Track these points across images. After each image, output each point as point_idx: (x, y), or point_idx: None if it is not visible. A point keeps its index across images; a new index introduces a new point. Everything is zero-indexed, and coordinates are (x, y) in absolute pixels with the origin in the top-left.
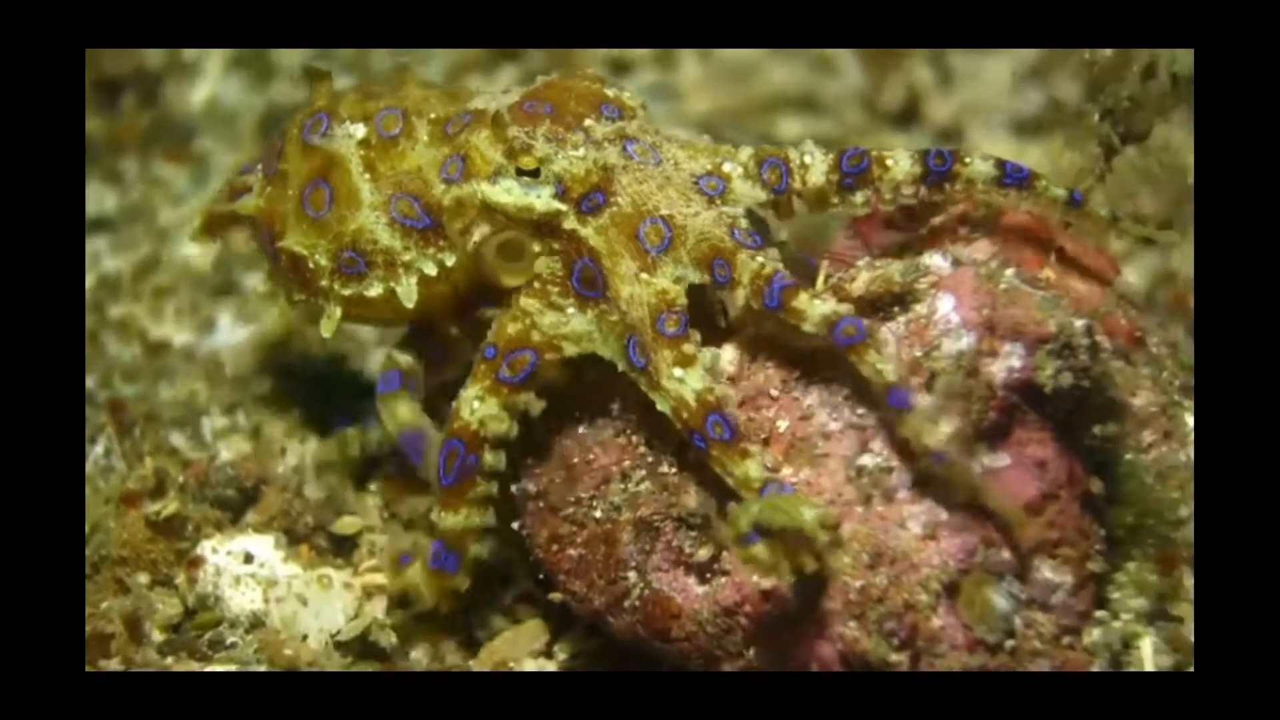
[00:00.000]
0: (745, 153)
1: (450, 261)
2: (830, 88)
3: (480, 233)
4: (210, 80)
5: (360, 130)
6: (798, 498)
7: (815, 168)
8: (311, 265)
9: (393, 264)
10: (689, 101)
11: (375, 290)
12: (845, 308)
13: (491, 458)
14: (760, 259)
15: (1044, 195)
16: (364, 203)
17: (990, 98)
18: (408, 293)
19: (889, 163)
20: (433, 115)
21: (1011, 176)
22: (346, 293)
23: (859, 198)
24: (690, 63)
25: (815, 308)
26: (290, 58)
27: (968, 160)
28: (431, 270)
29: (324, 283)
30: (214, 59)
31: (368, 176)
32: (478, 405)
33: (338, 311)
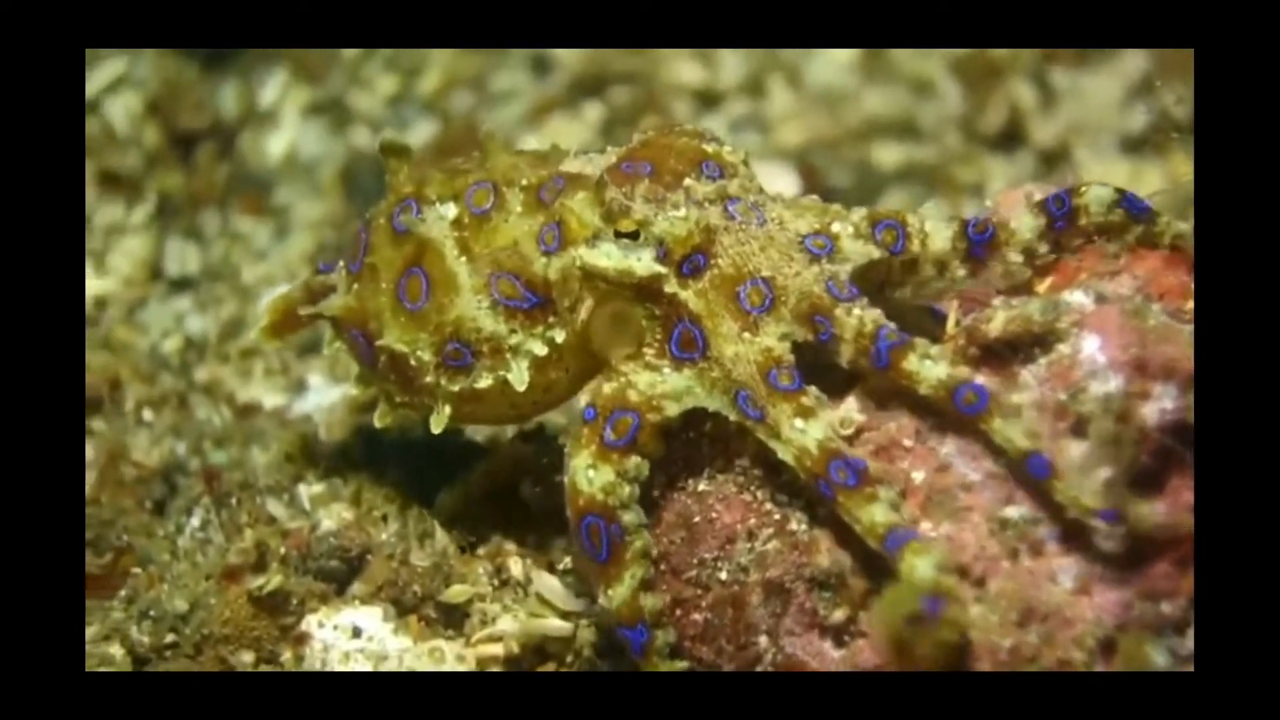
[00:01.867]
0: (858, 213)
1: (560, 339)
2: (928, 111)
3: (586, 306)
4: (287, 129)
5: (451, 210)
6: (917, 549)
7: (937, 234)
8: (414, 363)
9: (499, 350)
10: (780, 133)
11: (485, 382)
12: (963, 372)
13: (630, 516)
14: (858, 312)
15: (1165, 233)
16: (463, 287)
17: (1096, 115)
18: (520, 377)
19: (1013, 226)
20: (525, 182)
21: (1132, 204)
22: (455, 388)
23: (991, 266)
24: (780, 91)
25: (928, 370)
26: (368, 102)
27: (1083, 190)
28: (541, 350)
29: (429, 379)
30: (290, 107)
31: (464, 259)
32: (593, 475)
33: (447, 410)
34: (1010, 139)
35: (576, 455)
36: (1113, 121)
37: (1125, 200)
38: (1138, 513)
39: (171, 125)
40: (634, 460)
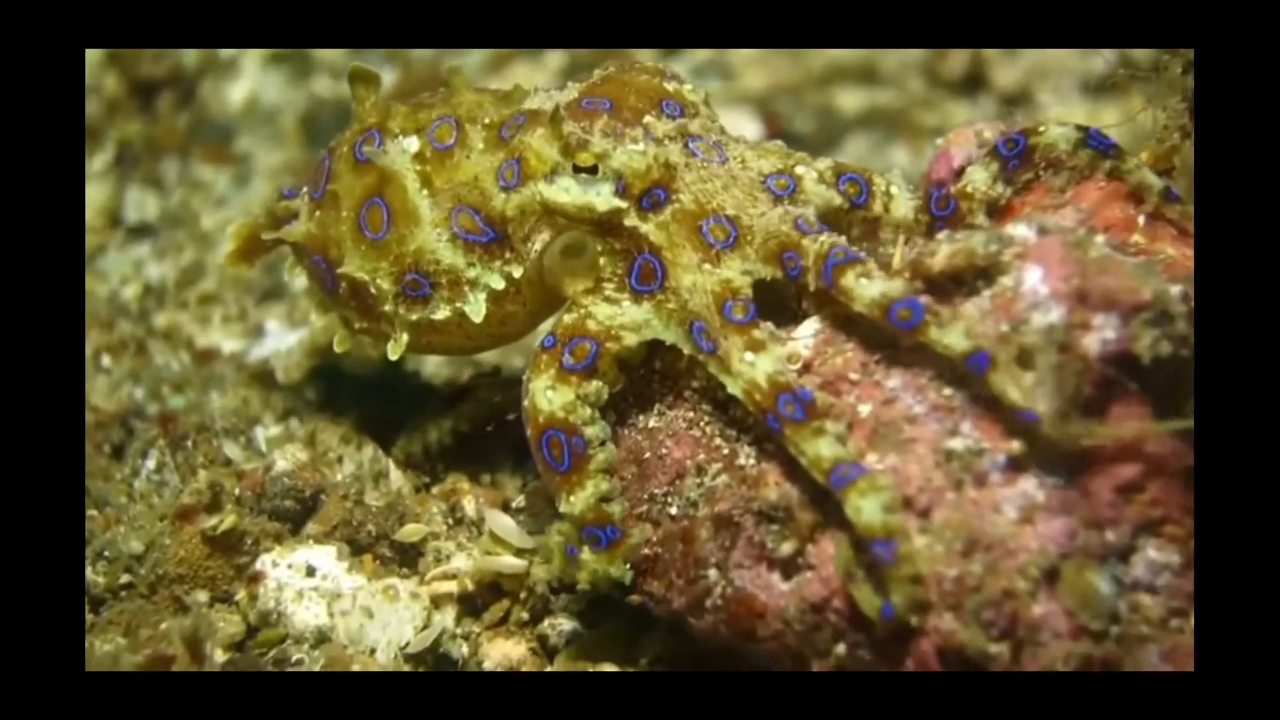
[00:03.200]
0: (823, 162)
1: (518, 273)
2: (890, 57)
3: (541, 239)
4: (248, 78)
5: (414, 143)
6: (863, 488)
7: (900, 201)
8: (373, 291)
9: (458, 283)
10: (744, 78)
11: (442, 313)
12: (896, 288)
13: (593, 430)
14: (824, 239)
15: (1132, 175)
16: (423, 220)
17: (1058, 59)
18: (476, 309)
19: (969, 189)
20: (487, 120)
21: (1096, 140)
22: (413, 317)
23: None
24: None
25: (863, 288)
26: (330, 51)
27: (1041, 129)
28: (499, 284)
29: (387, 308)
30: (251, 56)
31: (425, 192)
32: (552, 395)
33: (404, 337)
34: (972, 83)
35: (536, 378)
36: (1074, 64)
37: (1090, 138)
38: (1058, 416)
39: (132, 73)
40: (594, 384)
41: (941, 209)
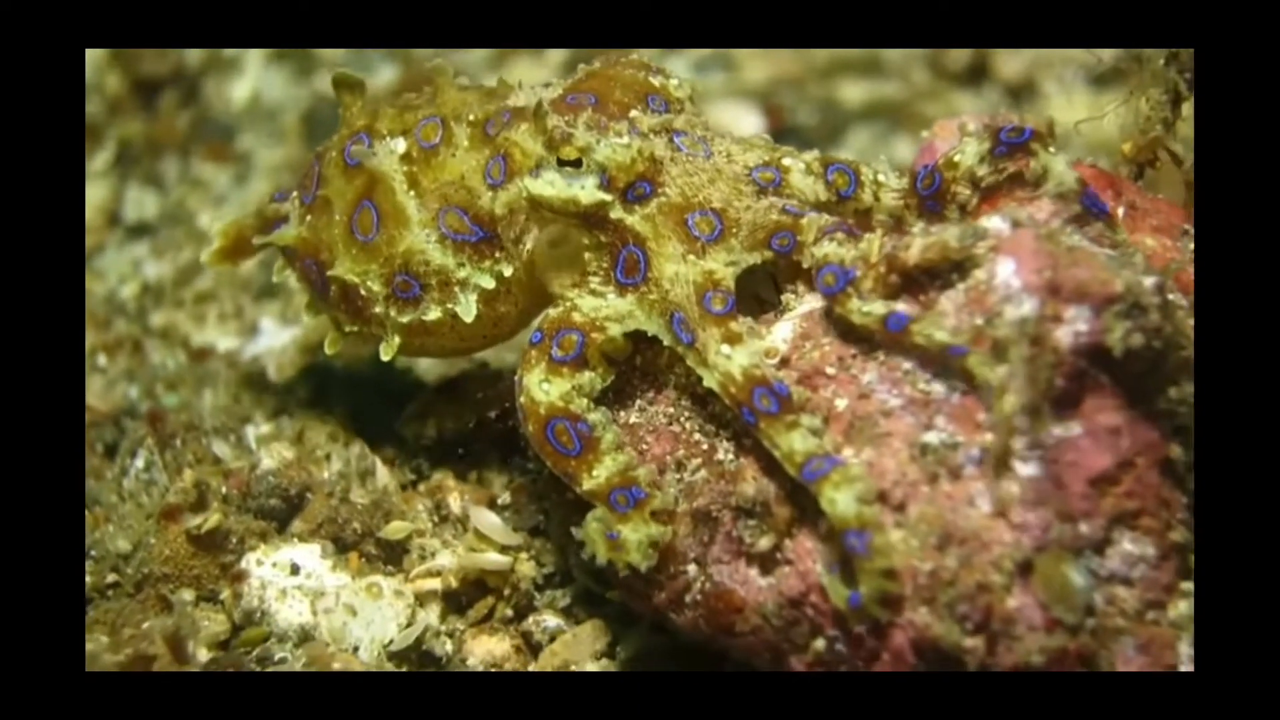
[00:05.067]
0: (810, 154)
1: (508, 272)
2: (893, 49)
3: (532, 238)
4: (250, 76)
5: (401, 144)
6: (836, 480)
7: (889, 187)
8: (364, 293)
9: (448, 283)
10: (746, 71)
11: (433, 314)
12: (830, 254)
13: (596, 415)
14: (825, 216)
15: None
16: (411, 221)
17: (1062, 51)
18: (467, 309)
19: (956, 158)
20: (472, 117)
21: (1090, 202)
22: (404, 319)
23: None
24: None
25: (811, 253)
26: (331, 51)
27: (1051, 150)
28: (489, 284)
29: (378, 310)
30: (254, 53)
31: (412, 193)
32: (548, 387)
33: (396, 340)
34: (977, 74)
35: (528, 373)
36: (1078, 54)
37: (1084, 199)
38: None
39: (134, 72)
40: (586, 375)
41: (927, 187)
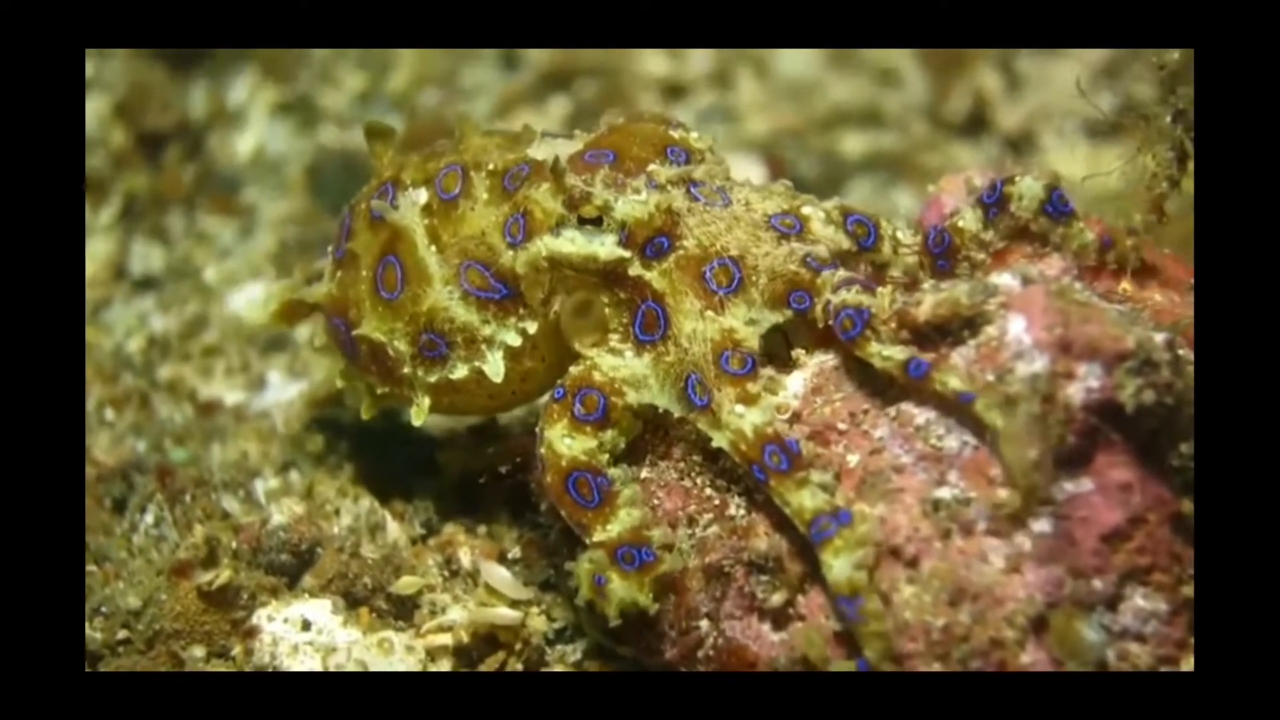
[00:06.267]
0: (830, 202)
1: (533, 329)
2: (893, 100)
3: (559, 300)
4: (254, 129)
5: (423, 195)
6: (838, 546)
7: (904, 244)
8: (391, 353)
9: (473, 340)
10: (748, 122)
11: (460, 372)
12: (848, 299)
13: (616, 472)
14: (841, 273)
15: (1074, 240)
16: (434, 277)
17: (1061, 102)
18: (495, 369)
19: (960, 223)
20: (491, 166)
21: (1055, 206)
22: (432, 379)
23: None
24: (747, 82)
25: (825, 296)
26: (336, 101)
27: (1016, 178)
28: (515, 341)
29: (406, 370)
30: (258, 107)
31: (433, 249)
32: (571, 442)
33: (426, 401)
34: (976, 125)
35: (551, 428)
36: (1078, 106)
37: (1051, 202)
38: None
39: (139, 126)
40: (609, 433)
41: (939, 245)
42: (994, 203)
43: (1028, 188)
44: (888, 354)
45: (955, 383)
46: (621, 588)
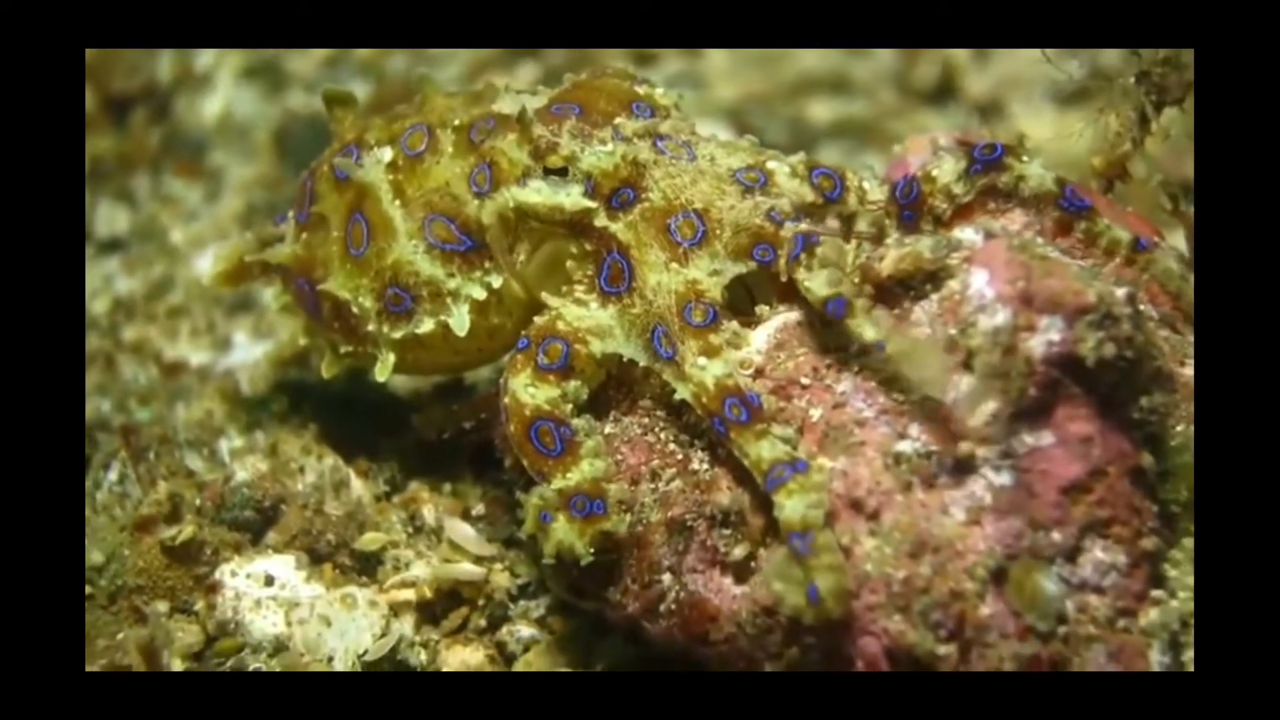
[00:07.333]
0: (795, 157)
1: (498, 283)
2: (861, 68)
3: (524, 251)
4: (222, 92)
5: (387, 153)
6: (791, 489)
7: (872, 195)
8: (356, 310)
9: (439, 294)
10: (716, 89)
11: (426, 326)
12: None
13: (580, 422)
14: (804, 225)
15: (1104, 236)
16: (398, 231)
17: (1029, 69)
18: (460, 322)
19: (934, 172)
20: (457, 122)
21: (1070, 201)
22: (397, 335)
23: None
24: (716, 50)
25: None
26: (304, 65)
27: (1025, 159)
28: (480, 294)
29: (371, 327)
30: (225, 70)
31: (398, 203)
32: (534, 390)
33: (391, 357)
34: (944, 93)
35: (514, 377)
36: (1044, 73)
37: (1064, 198)
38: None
39: (104, 89)
40: (572, 383)
41: (906, 196)
42: (985, 161)
43: (1035, 174)
44: (809, 284)
45: (870, 331)
46: (563, 529)
